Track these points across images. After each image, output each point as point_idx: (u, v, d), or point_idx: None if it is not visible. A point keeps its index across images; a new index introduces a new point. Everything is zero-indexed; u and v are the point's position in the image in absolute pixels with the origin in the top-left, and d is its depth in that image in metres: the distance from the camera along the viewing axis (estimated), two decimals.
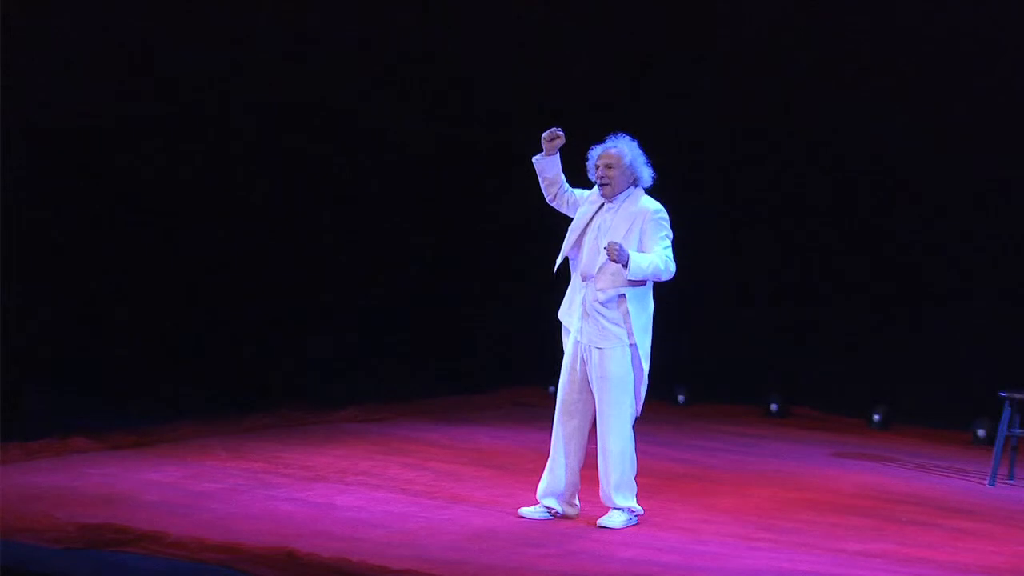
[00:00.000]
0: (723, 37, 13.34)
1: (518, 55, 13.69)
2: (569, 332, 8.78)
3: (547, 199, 8.95)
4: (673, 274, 8.61)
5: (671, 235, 8.66)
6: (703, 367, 13.39)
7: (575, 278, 8.77)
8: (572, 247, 8.75)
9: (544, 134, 8.79)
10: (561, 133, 8.77)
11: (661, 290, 8.80)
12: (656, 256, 8.55)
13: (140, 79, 12.53)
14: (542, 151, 8.82)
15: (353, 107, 13.59)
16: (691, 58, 13.40)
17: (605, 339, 8.61)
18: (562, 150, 8.84)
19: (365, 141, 13.74)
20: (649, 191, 8.77)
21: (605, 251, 8.47)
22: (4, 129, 11.39)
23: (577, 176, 8.90)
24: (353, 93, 13.54)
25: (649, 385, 8.75)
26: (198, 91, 12.80)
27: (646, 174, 8.75)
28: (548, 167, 8.86)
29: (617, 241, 8.47)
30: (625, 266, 8.43)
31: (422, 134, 13.88)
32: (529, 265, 9.76)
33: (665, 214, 8.68)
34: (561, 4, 13.68)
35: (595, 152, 8.76)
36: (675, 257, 8.63)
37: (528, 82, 13.64)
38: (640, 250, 8.57)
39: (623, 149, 8.72)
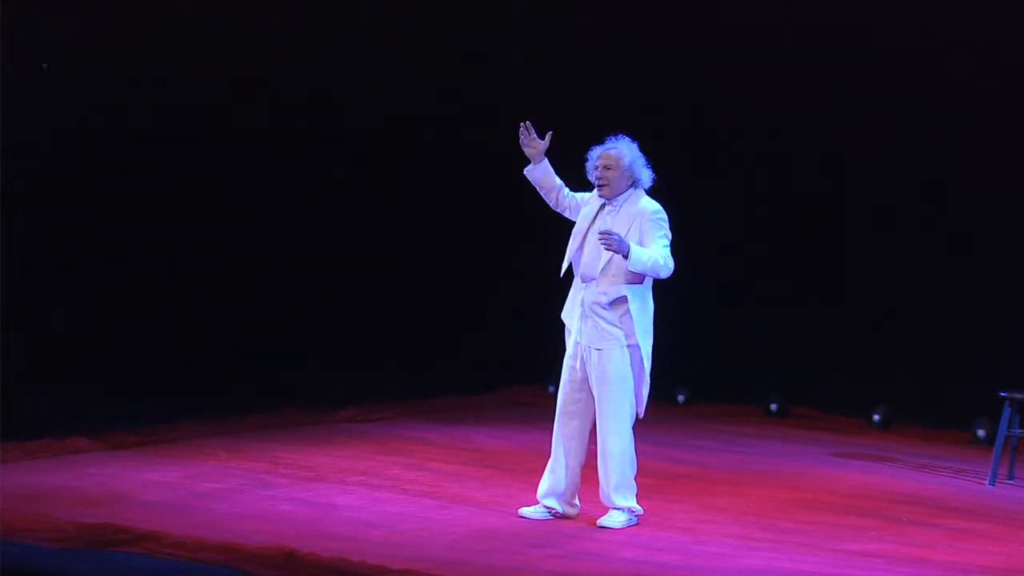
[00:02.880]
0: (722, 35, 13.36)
1: (519, 55, 13.73)
2: (571, 333, 8.79)
3: (550, 205, 8.97)
4: (671, 272, 8.60)
5: (670, 236, 8.65)
6: (703, 367, 13.39)
7: (576, 279, 8.78)
8: (576, 251, 8.75)
9: (520, 140, 8.80)
10: (532, 133, 8.76)
11: (661, 290, 8.80)
12: (655, 251, 8.54)
13: (141, 78, 12.53)
14: (530, 162, 8.86)
15: (352, 105, 13.59)
16: (691, 58, 13.40)
17: (604, 340, 8.61)
18: (565, 151, 8.85)
19: (363, 139, 13.74)
20: (650, 191, 8.77)
21: (599, 240, 8.44)
22: (4, 129, 11.39)
23: (578, 177, 8.91)
24: (353, 88, 13.54)
25: (651, 386, 8.75)
26: (199, 92, 12.81)
27: (645, 175, 8.75)
28: (539, 175, 8.88)
29: (615, 232, 8.44)
30: (626, 257, 8.42)
31: (421, 134, 13.88)
32: (530, 264, 9.77)
33: (664, 215, 8.67)
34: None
35: (594, 153, 8.76)
36: (674, 257, 8.62)
37: (529, 81, 13.66)
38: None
39: (622, 150, 8.72)
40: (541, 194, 8.95)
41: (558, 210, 8.95)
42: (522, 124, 8.82)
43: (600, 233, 8.46)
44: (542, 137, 8.85)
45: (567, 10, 13.72)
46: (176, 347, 12.75)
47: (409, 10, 13.63)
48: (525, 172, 8.90)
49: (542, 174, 8.87)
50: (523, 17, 13.76)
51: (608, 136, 8.79)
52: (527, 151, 8.85)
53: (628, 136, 8.78)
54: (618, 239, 8.40)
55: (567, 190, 8.92)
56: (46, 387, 11.56)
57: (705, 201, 13.18)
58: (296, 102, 13.38)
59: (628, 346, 8.62)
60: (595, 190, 8.80)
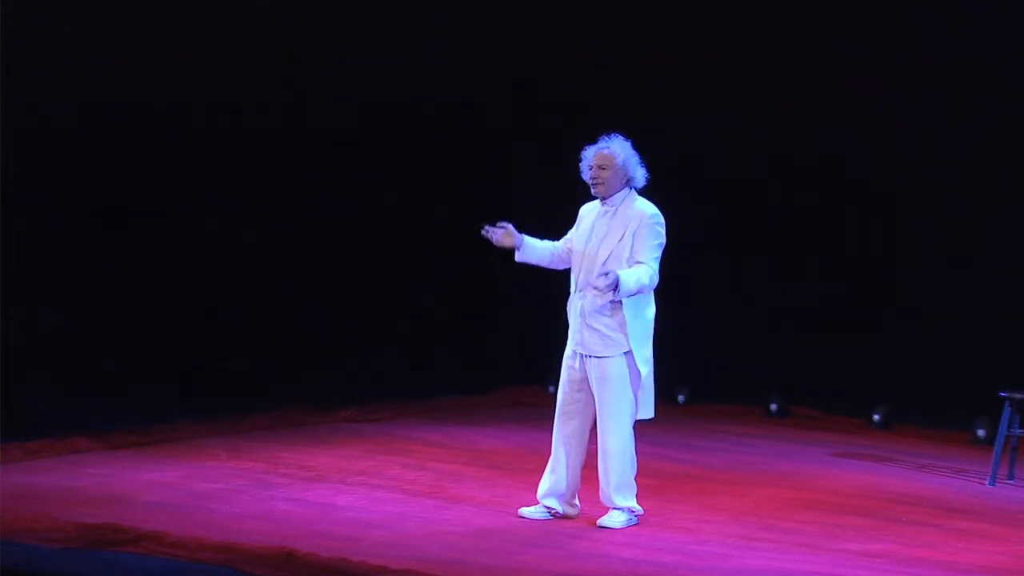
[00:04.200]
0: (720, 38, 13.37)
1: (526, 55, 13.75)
2: (571, 341, 8.75)
3: (557, 267, 8.92)
4: (655, 285, 8.59)
5: (664, 243, 8.62)
6: (703, 367, 13.39)
7: (574, 294, 8.72)
8: (577, 268, 8.72)
9: (493, 241, 8.75)
10: (497, 230, 8.72)
11: (661, 289, 8.78)
12: (642, 271, 8.48)
13: (140, 79, 12.53)
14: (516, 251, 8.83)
15: (357, 102, 13.59)
16: (690, 57, 13.41)
17: (606, 348, 8.58)
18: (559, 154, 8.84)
19: (367, 140, 13.74)
20: (648, 192, 8.75)
21: (594, 289, 8.43)
22: (3, 128, 11.39)
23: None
24: (365, 91, 13.54)
25: (655, 387, 8.73)
26: (199, 92, 12.80)
27: (639, 174, 8.72)
28: (532, 255, 8.85)
29: (605, 271, 8.41)
30: (615, 290, 8.41)
31: (424, 134, 13.88)
32: (529, 265, 9.75)
33: (661, 219, 8.64)
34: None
35: (588, 152, 8.74)
36: (672, 259, 8.61)
37: (534, 83, 13.68)
38: (631, 253, 8.55)
39: (615, 149, 8.69)
40: (543, 265, 8.92)
41: (563, 266, 8.88)
42: (483, 232, 8.75)
43: (593, 287, 8.43)
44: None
45: (566, 10, 13.73)
46: (176, 347, 12.74)
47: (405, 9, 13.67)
48: (517, 260, 8.87)
49: (534, 254, 8.84)
50: (523, 16, 13.77)
51: (601, 136, 8.78)
52: (505, 244, 8.78)
53: (622, 135, 8.76)
54: (609, 281, 8.35)
55: (562, 244, 8.87)
56: (46, 387, 11.55)
57: (704, 201, 13.18)
58: (298, 101, 13.37)
59: (628, 351, 8.59)
60: (583, 207, 8.82)
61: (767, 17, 13.17)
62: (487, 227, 8.77)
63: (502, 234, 8.77)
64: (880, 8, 12.89)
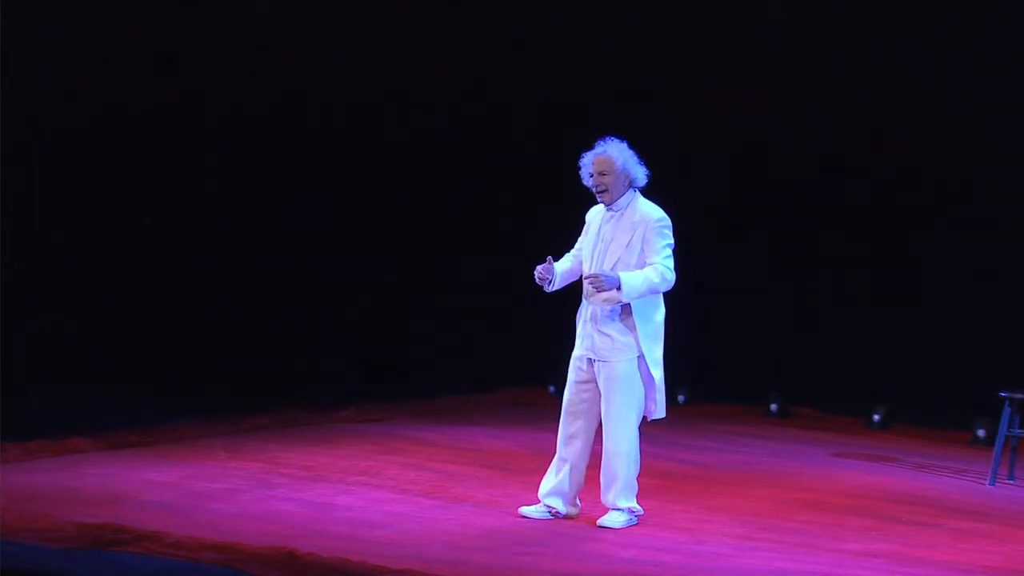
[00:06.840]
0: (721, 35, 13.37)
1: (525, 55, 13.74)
2: (579, 346, 8.74)
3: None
4: (672, 284, 8.54)
5: (673, 244, 8.59)
6: (703, 367, 13.39)
7: (584, 299, 8.71)
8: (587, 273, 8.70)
9: (537, 279, 8.64)
10: (547, 273, 8.63)
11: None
12: (650, 270, 8.47)
13: (137, 80, 12.53)
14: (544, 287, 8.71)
15: (359, 103, 13.59)
16: (690, 54, 13.41)
17: (617, 353, 8.56)
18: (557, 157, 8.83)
19: (368, 140, 13.74)
20: (649, 190, 8.73)
21: (590, 286, 8.43)
22: (4, 130, 11.39)
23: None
24: (365, 91, 13.53)
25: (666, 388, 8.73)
26: (199, 95, 12.80)
27: (640, 173, 8.68)
28: (563, 281, 8.76)
29: (601, 272, 8.41)
30: (619, 290, 8.41)
31: (426, 134, 13.88)
32: (531, 264, 9.76)
33: (668, 222, 8.61)
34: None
35: (586, 159, 8.68)
36: (676, 258, 8.59)
37: (537, 80, 13.69)
38: (641, 259, 8.54)
39: (613, 153, 8.64)
40: (574, 280, 8.83)
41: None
42: (541, 269, 8.61)
43: (585, 279, 8.43)
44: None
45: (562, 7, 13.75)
46: (176, 347, 12.74)
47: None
48: (549, 291, 8.74)
49: (561, 277, 8.75)
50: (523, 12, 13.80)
51: (597, 140, 8.74)
52: (544, 277, 8.65)
53: (616, 137, 8.72)
54: (605, 279, 8.38)
55: (576, 257, 8.81)
56: (46, 387, 11.56)
57: (703, 200, 13.18)
58: (305, 101, 13.38)
59: (639, 355, 8.57)
60: (589, 211, 8.81)
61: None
62: (538, 267, 8.65)
63: (545, 269, 8.64)
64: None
